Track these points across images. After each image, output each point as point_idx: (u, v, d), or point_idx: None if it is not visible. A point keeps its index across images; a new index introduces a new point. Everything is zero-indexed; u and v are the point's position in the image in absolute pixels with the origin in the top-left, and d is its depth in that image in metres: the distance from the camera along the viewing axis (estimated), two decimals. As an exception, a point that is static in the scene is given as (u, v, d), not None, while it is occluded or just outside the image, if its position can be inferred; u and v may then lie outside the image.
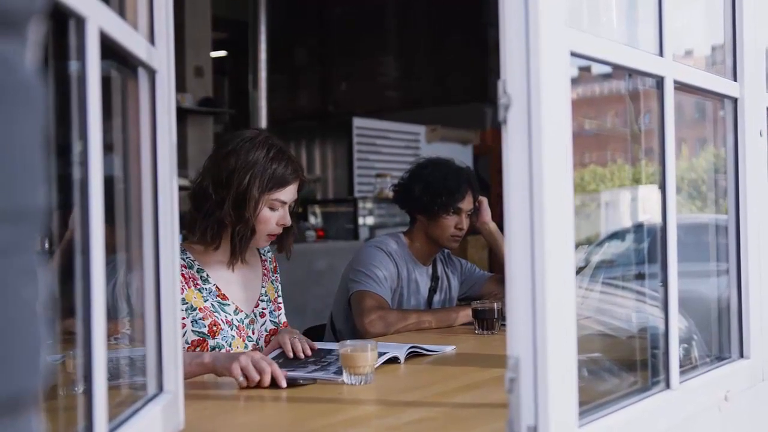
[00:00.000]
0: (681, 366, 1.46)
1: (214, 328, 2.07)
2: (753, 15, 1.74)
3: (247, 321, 2.16)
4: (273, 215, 2.12)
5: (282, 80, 8.67)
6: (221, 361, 1.81)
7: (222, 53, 8.90)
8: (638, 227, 1.81)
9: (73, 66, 0.95)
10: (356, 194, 7.52)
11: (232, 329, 2.11)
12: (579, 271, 1.61)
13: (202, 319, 2.06)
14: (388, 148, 7.89)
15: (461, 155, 6.17)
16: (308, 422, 1.54)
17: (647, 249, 1.69)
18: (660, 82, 1.44)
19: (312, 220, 6.99)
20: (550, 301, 1.08)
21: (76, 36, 0.94)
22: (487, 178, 6.62)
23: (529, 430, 1.08)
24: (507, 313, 1.14)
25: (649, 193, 1.61)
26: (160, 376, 1.31)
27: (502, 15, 1.09)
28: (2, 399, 0.59)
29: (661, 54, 1.43)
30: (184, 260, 2.09)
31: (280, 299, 2.31)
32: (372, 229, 7.00)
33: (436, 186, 2.76)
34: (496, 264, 3.65)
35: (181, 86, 6.68)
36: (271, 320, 2.24)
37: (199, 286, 2.10)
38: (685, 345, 1.60)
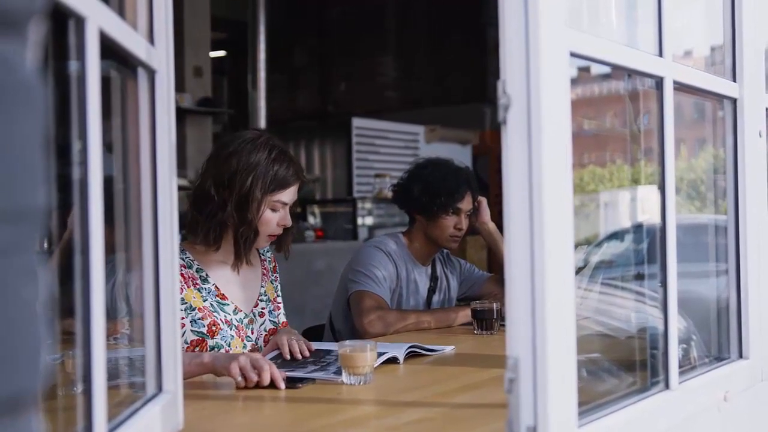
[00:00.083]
0: (680, 366, 1.46)
1: (213, 328, 2.07)
2: (752, 15, 1.74)
3: (246, 321, 2.16)
4: (274, 216, 2.12)
5: (281, 80, 8.68)
6: (220, 361, 1.81)
7: (221, 53, 8.90)
8: (637, 228, 1.81)
9: (73, 66, 0.95)
10: (355, 194, 7.53)
11: (231, 329, 2.11)
12: (578, 271, 1.60)
13: (201, 318, 2.06)
14: (388, 148, 7.90)
15: (460, 155, 6.16)
16: (307, 422, 1.54)
17: (646, 249, 1.69)
18: (659, 82, 1.44)
19: (311, 220, 6.99)
20: (550, 301, 1.08)
21: (75, 36, 0.94)
22: (486, 178, 6.62)
23: (528, 431, 1.08)
24: (506, 313, 1.14)
25: (648, 194, 1.61)
26: (160, 376, 1.31)
27: (502, 15, 1.09)
28: (2, 399, 0.59)
29: (660, 54, 1.43)
30: (183, 260, 2.09)
31: (279, 299, 2.31)
32: (371, 229, 7.00)
33: (435, 186, 2.76)
34: (495, 264, 3.64)
35: (180, 86, 6.67)
36: (270, 320, 2.24)
37: (198, 286, 2.10)
38: (685, 345, 1.60)
